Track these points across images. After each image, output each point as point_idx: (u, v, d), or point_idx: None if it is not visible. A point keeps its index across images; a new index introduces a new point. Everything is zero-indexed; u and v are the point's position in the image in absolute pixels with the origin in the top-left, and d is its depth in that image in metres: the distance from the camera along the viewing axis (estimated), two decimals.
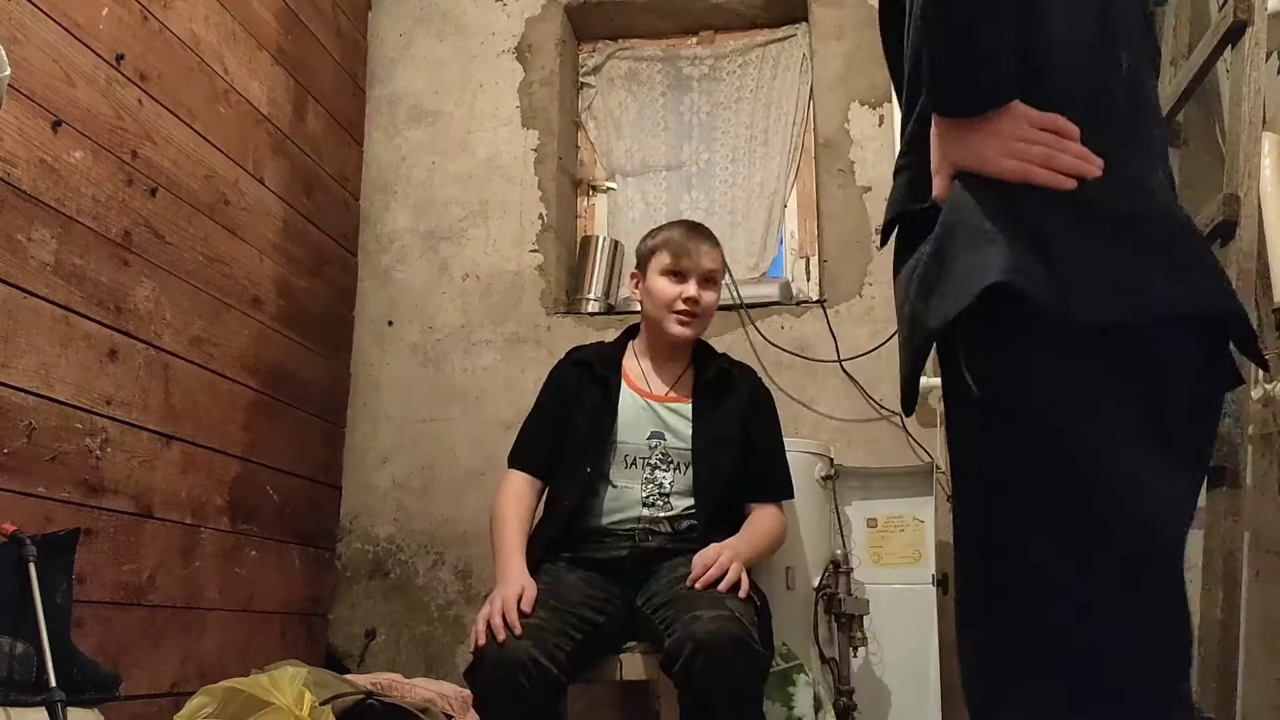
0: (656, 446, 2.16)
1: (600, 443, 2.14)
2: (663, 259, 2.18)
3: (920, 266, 1.07)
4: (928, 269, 1.05)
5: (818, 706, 2.15)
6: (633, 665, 2.03)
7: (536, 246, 3.14)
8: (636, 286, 2.25)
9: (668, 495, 2.13)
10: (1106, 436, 0.97)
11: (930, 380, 2.74)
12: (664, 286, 2.17)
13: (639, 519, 2.11)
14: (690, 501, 2.13)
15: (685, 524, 2.12)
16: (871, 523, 2.57)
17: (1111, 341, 0.97)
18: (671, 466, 2.15)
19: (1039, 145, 1.01)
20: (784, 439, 2.27)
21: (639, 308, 2.31)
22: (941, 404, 2.80)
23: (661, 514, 2.12)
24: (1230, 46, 2.08)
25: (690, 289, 2.15)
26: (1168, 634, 0.98)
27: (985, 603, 1.04)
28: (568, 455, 2.15)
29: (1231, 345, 1.04)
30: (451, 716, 2.18)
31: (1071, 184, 1.00)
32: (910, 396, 1.13)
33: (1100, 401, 0.98)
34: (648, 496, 2.13)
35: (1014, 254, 0.97)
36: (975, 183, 1.03)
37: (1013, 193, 1.01)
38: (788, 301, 3.02)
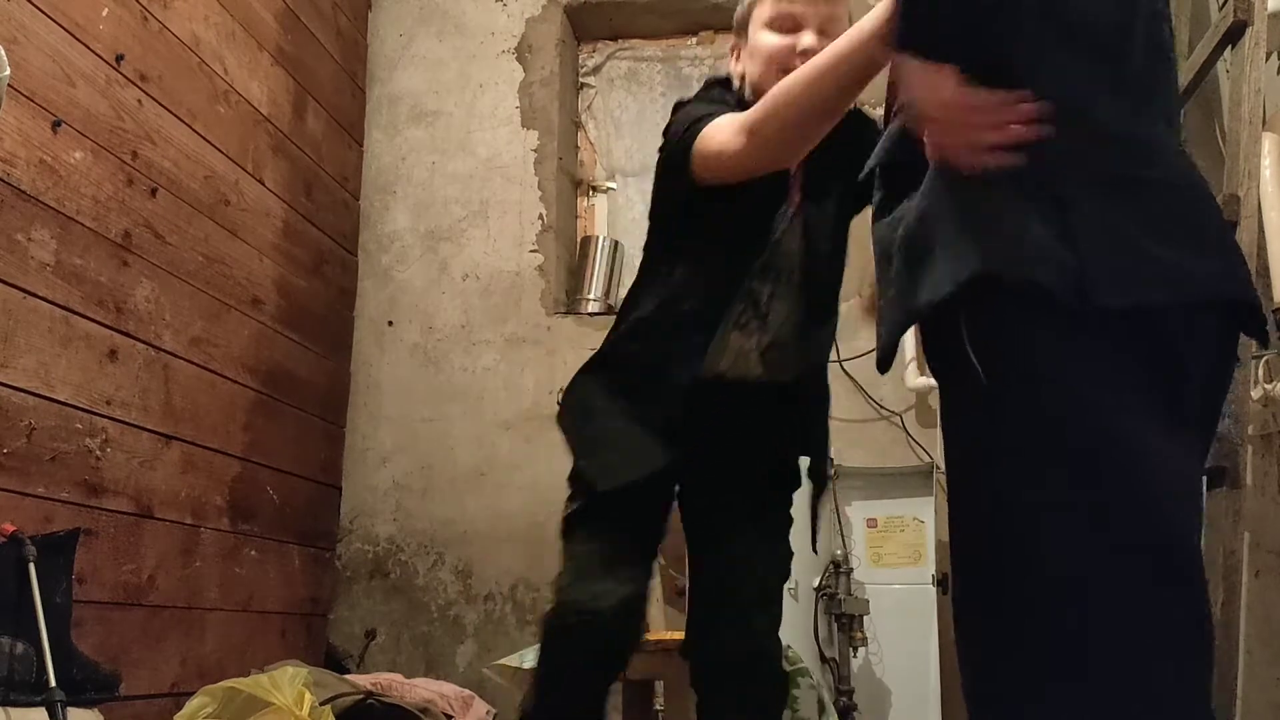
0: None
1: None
2: (764, 9, 1.63)
3: (910, 227, 0.97)
4: (917, 234, 0.95)
5: (821, 710, 2.15)
6: (633, 664, 2.03)
7: (536, 247, 3.13)
8: (736, 59, 1.68)
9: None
10: (1129, 426, 0.88)
11: (932, 380, 2.75)
12: (770, 40, 1.60)
13: None
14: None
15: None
16: (871, 523, 2.57)
17: (1129, 321, 0.88)
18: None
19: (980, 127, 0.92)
20: None
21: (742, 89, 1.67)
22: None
23: None
24: (1230, 46, 2.08)
25: (807, 39, 1.59)
26: (1190, 635, 0.89)
27: (991, 601, 0.94)
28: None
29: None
30: (451, 717, 2.18)
31: (1016, 159, 0.90)
32: (887, 359, 1.06)
33: (1121, 388, 0.89)
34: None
35: (1017, 227, 0.87)
36: None
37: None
38: None
